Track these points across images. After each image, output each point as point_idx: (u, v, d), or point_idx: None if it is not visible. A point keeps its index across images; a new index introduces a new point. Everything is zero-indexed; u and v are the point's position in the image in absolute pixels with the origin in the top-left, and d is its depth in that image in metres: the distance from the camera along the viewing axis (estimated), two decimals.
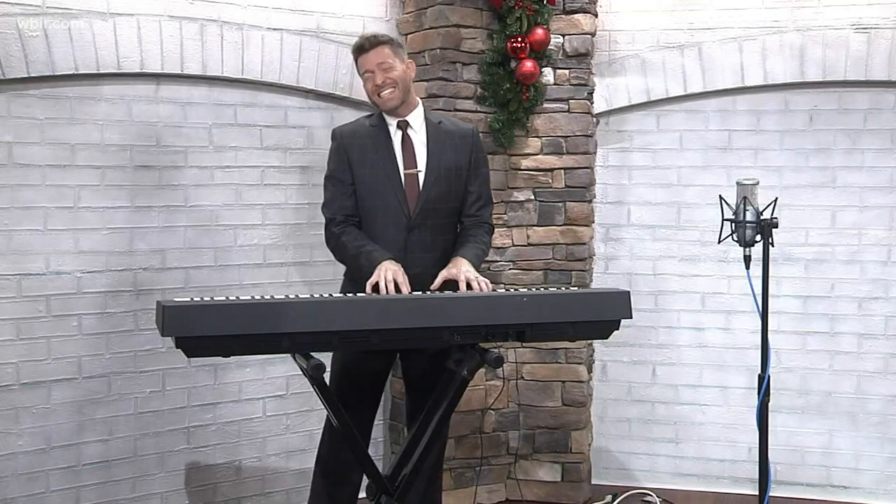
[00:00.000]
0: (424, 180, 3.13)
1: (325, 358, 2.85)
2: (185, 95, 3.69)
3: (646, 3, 4.20)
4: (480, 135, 3.39)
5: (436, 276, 3.01)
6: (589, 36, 4.10)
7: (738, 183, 3.24)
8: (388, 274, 2.90)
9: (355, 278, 3.07)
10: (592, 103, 4.18)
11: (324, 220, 3.19)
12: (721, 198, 3.26)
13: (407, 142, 3.16)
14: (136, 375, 3.63)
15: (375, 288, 2.90)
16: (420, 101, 3.26)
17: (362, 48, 3.11)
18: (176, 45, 3.59)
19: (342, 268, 3.25)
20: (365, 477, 2.98)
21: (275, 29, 3.82)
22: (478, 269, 3.07)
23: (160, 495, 3.70)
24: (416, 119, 3.20)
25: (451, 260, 3.08)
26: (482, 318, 2.81)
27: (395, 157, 3.14)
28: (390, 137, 3.16)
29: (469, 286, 2.94)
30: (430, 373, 3.11)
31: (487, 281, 2.99)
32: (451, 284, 3.00)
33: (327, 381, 2.78)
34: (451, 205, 3.20)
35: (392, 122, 3.17)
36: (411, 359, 3.24)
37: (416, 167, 3.14)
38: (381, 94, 3.11)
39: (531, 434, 4.16)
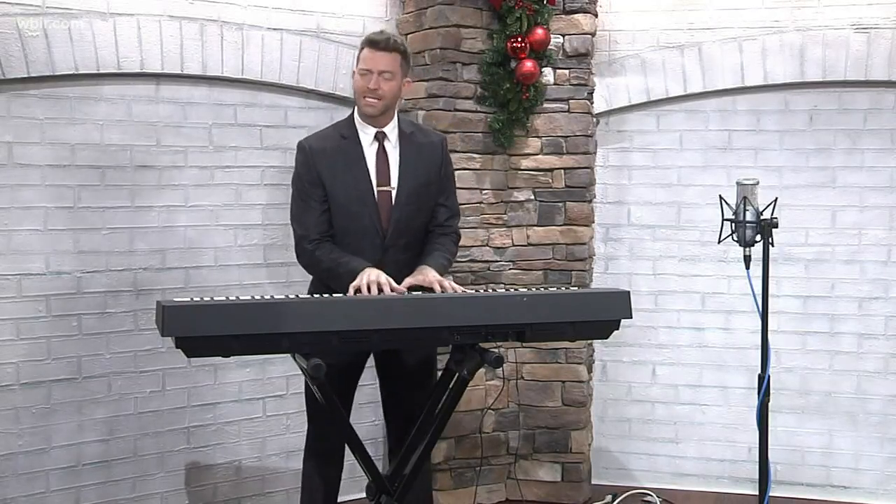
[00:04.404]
0: (396, 198, 3.07)
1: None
2: (185, 95, 3.69)
3: (646, 3, 4.19)
4: (449, 145, 3.33)
5: None
6: (589, 36, 4.10)
7: (738, 183, 3.24)
8: (372, 276, 2.87)
9: (334, 289, 3.00)
10: (592, 103, 4.18)
11: (294, 236, 3.13)
12: (721, 198, 3.26)
13: (382, 156, 3.09)
14: (136, 375, 3.63)
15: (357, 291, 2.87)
16: (396, 112, 3.18)
17: (376, 44, 3.01)
18: (176, 45, 3.59)
19: None
20: (364, 477, 2.98)
21: (275, 29, 3.82)
22: (442, 276, 3.03)
23: (160, 495, 3.71)
24: (393, 132, 3.12)
25: (417, 269, 3.03)
26: (482, 318, 2.81)
27: (369, 174, 3.06)
28: (362, 151, 3.08)
29: (442, 288, 2.93)
30: (406, 364, 3.12)
31: (455, 285, 2.99)
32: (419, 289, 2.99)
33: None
34: (422, 220, 3.16)
35: (368, 132, 3.09)
36: (387, 354, 3.20)
37: (390, 184, 3.07)
38: (365, 97, 3.04)
39: (531, 434, 4.15)
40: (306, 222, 3.08)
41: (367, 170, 3.06)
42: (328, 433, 3.15)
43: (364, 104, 3.05)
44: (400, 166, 3.09)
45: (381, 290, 2.85)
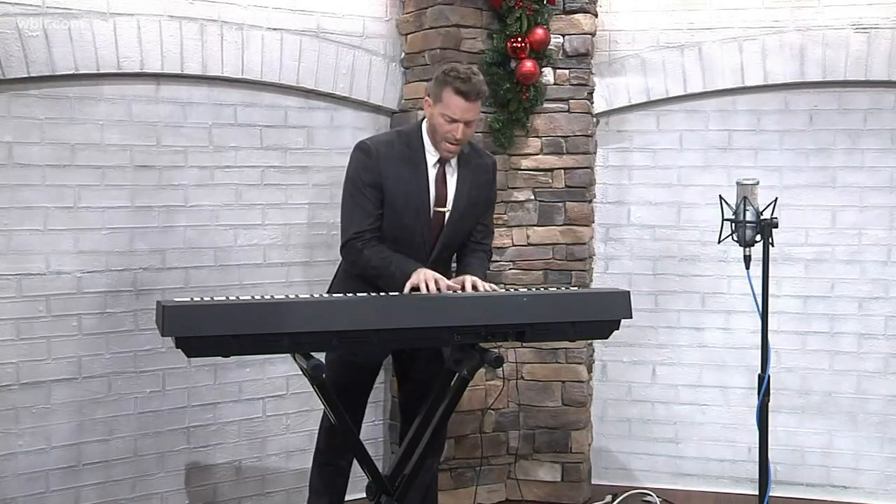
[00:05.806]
0: (449, 219, 3.12)
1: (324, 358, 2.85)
2: (185, 95, 3.69)
3: (646, 3, 4.19)
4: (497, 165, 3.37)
5: None
6: (589, 36, 4.10)
7: (738, 183, 3.24)
8: (428, 274, 2.87)
9: (379, 287, 3.00)
10: (592, 103, 4.18)
11: (343, 233, 3.10)
12: (721, 198, 3.26)
13: (441, 178, 3.12)
14: (136, 375, 3.63)
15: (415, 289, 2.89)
16: None
17: (468, 95, 2.98)
18: (176, 45, 3.59)
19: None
20: (365, 477, 2.98)
21: (275, 29, 3.82)
22: None
23: (160, 495, 3.70)
24: (454, 157, 3.15)
25: (460, 276, 3.06)
26: (482, 318, 2.81)
27: (430, 193, 3.09)
28: (426, 169, 3.10)
29: (475, 288, 2.95)
30: (425, 370, 3.12)
31: (495, 286, 3.02)
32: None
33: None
34: (464, 237, 3.23)
35: (433, 154, 3.10)
36: (405, 357, 3.24)
37: (446, 206, 3.12)
38: (448, 143, 3.03)
39: (531, 434, 4.15)
40: (358, 221, 3.07)
41: (428, 188, 3.09)
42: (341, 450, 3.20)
43: (444, 149, 3.06)
44: (456, 190, 3.14)
45: (438, 289, 2.86)
